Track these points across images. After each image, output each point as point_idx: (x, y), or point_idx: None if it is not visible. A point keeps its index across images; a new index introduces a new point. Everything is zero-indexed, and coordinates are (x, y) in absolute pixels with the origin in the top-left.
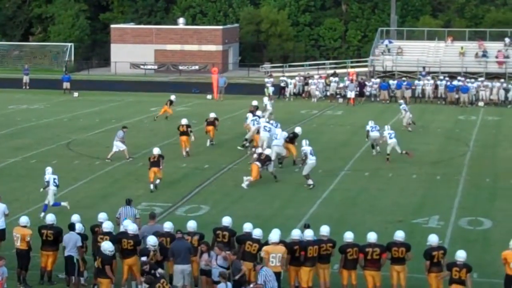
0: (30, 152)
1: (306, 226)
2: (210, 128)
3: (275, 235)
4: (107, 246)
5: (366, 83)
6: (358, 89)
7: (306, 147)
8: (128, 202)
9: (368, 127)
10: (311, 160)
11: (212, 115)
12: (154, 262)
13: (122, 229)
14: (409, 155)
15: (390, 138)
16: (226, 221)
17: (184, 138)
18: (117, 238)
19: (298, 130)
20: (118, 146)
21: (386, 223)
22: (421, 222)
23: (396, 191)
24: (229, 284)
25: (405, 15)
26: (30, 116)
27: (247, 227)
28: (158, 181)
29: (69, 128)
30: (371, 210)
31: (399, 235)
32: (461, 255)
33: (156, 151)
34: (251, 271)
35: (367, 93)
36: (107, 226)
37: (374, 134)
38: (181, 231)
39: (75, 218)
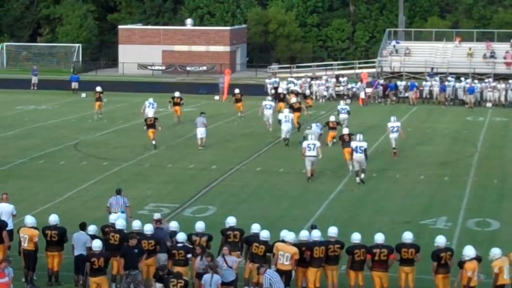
0: (38, 153)
1: (313, 227)
2: (240, 104)
3: (291, 235)
4: (96, 245)
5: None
6: (381, 90)
7: (353, 142)
8: (118, 192)
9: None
10: (355, 155)
11: (237, 90)
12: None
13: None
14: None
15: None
16: (233, 221)
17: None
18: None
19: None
20: (201, 132)
21: (393, 224)
22: (429, 223)
23: (403, 192)
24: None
25: (413, 16)
26: (38, 116)
27: (255, 228)
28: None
29: (76, 129)
30: (379, 211)
31: (408, 237)
32: (469, 253)
33: (151, 114)
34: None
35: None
36: (120, 224)
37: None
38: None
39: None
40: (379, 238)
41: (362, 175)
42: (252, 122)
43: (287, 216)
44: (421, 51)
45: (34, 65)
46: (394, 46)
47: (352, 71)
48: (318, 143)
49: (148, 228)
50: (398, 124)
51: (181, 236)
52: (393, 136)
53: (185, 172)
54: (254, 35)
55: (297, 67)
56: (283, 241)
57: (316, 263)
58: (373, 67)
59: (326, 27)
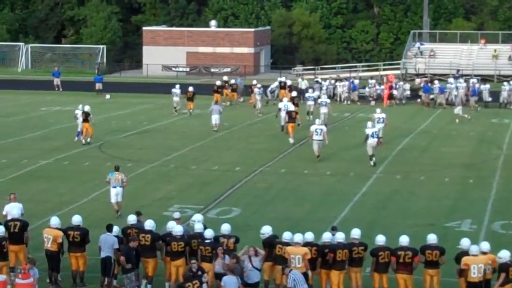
0: (62, 154)
1: (334, 229)
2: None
3: (298, 236)
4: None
5: (397, 86)
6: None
7: (367, 129)
8: (117, 169)
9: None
10: (370, 140)
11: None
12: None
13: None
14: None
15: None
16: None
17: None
18: (165, 240)
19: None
20: (215, 118)
21: (417, 227)
22: (454, 225)
23: (428, 194)
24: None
25: (437, 18)
26: (62, 118)
27: (266, 230)
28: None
29: (101, 130)
30: (403, 213)
31: (432, 238)
32: (505, 255)
33: (191, 88)
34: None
35: (399, 96)
36: (149, 224)
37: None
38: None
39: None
40: (404, 240)
41: (374, 158)
42: (276, 124)
43: (311, 218)
44: (446, 53)
45: (56, 67)
46: (418, 48)
47: (376, 73)
48: (324, 128)
49: (178, 230)
50: (383, 115)
51: (209, 233)
52: (378, 126)
53: (209, 174)
54: (278, 37)
55: (321, 68)
56: (280, 242)
57: (339, 265)
58: (398, 69)
59: (351, 29)
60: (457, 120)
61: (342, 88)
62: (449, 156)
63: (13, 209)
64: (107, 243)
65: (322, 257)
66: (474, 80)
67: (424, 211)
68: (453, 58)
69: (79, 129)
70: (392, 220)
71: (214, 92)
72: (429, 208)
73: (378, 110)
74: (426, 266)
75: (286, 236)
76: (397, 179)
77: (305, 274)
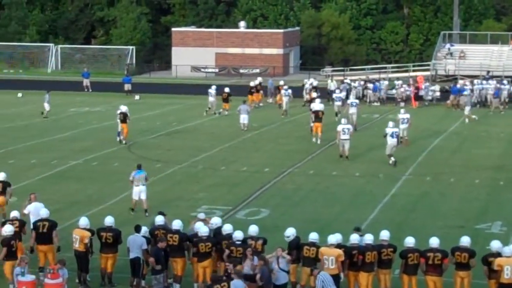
0: (91, 155)
1: (357, 229)
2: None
3: (332, 237)
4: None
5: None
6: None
7: (388, 129)
8: (139, 167)
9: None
10: (390, 141)
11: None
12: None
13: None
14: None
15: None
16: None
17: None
18: (193, 241)
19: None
20: (244, 118)
21: (447, 228)
22: (484, 227)
23: (458, 196)
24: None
25: (468, 19)
26: (91, 118)
27: (291, 232)
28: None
29: (130, 131)
30: (432, 215)
31: (464, 241)
32: None
33: (227, 89)
34: (309, 276)
35: (429, 98)
36: (177, 224)
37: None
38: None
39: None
40: (434, 242)
41: (393, 158)
42: (305, 125)
43: (340, 220)
44: (476, 54)
45: (85, 68)
46: (448, 49)
47: (406, 74)
48: (351, 128)
49: (204, 230)
50: (408, 115)
51: (238, 234)
52: (402, 127)
53: (238, 175)
54: (307, 38)
55: (351, 70)
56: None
57: (367, 267)
58: (427, 70)
59: (380, 30)
60: (466, 120)
61: (371, 90)
62: (479, 157)
63: (41, 209)
64: (135, 244)
65: (350, 259)
66: (504, 82)
67: (454, 213)
68: (483, 59)
69: (119, 129)
70: (421, 222)
71: (249, 94)
72: (459, 210)
73: (402, 110)
74: (457, 268)
75: (313, 236)
76: (427, 180)
77: (336, 276)
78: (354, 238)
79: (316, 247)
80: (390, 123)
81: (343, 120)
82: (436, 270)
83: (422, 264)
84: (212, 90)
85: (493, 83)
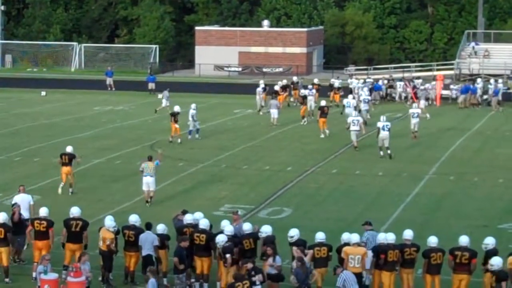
0: (114, 153)
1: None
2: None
3: (356, 236)
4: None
5: (452, 86)
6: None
7: (379, 123)
8: (150, 159)
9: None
10: (381, 134)
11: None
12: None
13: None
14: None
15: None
16: (321, 236)
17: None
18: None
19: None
20: (274, 113)
21: (471, 228)
22: (507, 227)
23: (481, 195)
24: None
25: (492, 18)
26: (114, 117)
27: (295, 232)
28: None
29: (153, 130)
30: (456, 214)
31: (464, 241)
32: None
33: (277, 87)
34: (322, 276)
35: (453, 96)
36: (204, 223)
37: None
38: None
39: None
40: (464, 240)
41: (389, 151)
42: (328, 124)
43: (363, 219)
44: (500, 53)
45: (108, 66)
46: (473, 48)
47: (430, 73)
48: (361, 119)
49: (229, 230)
50: (419, 110)
51: (267, 229)
52: (414, 121)
53: (260, 174)
54: (331, 37)
55: (374, 69)
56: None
57: (389, 266)
58: (451, 69)
59: (404, 29)
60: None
61: (400, 88)
62: (503, 157)
63: (74, 208)
64: (147, 241)
65: (377, 258)
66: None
67: (478, 212)
68: (508, 58)
69: (191, 128)
70: (445, 222)
71: (277, 94)
72: (482, 209)
73: (414, 105)
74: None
75: (320, 236)
76: (451, 180)
77: (360, 275)
78: (380, 238)
79: (326, 246)
80: (382, 117)
81: (353, 113)
82: (464, 268)
83: (451, 260)
84: (260, 89)
85: None
